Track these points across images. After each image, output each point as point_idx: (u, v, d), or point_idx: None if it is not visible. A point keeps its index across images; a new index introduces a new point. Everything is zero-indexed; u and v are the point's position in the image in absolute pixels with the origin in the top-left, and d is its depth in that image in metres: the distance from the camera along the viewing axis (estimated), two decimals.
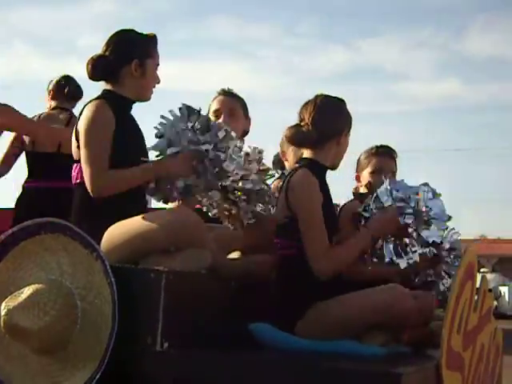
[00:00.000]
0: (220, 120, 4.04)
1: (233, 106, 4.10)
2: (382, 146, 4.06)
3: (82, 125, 3.27)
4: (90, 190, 3.16)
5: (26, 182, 5.06)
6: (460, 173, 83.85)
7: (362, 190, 4.05)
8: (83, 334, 2.77)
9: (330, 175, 3.45)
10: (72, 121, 4.91)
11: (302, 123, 3.31)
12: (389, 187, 3.44)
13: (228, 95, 4.15)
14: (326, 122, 3.30)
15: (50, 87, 5.21)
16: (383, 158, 4.01)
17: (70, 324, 2.77)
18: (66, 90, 5.16)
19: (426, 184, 3.45)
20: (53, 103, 5.18)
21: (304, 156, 3.36)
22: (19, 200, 5.01)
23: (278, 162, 4.59)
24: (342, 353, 2.96)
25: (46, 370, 2.79)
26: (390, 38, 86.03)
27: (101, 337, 2.72)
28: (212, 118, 4.09)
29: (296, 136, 3.31)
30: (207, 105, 4.17)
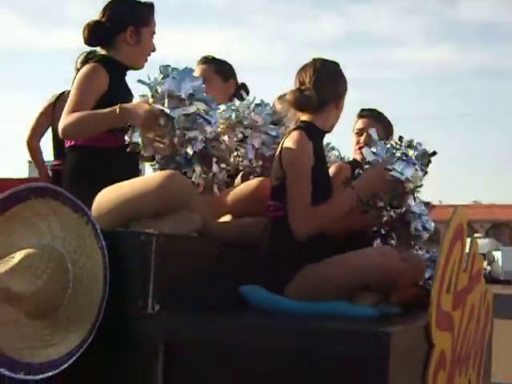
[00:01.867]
0: None
1: (205, 74, 4.08)
2: (365, 109, 4.11)
3: (74, 85, 3.30)
4: (60, 133, 3.19)
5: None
6: (454, 139, 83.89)
7: (354, 154, 4.09)
8: (75, 297, 2.78)
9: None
10: None
11: (303, 87, 3.30)
12: (372, 147, 3.46)
13: (201, 63, 4.16)
14: (327, 86, 3.31)
15: (78, 66, 5.13)
16: (364, 119, 4.07)
17: (62, 288, 2.78)
18: None
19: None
20: None
21: (302, 119, 3.35)
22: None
23: None
24: (331, 313, 2.98)
25: (38, 334, 2.80)
26: (382, 3, 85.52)
27: (92, 300, 2.74)
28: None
29: (299, 100, 3.29)
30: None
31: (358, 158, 4.04)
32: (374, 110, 4.13)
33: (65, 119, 3.17)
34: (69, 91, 5.07)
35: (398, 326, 2.73)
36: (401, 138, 3.47)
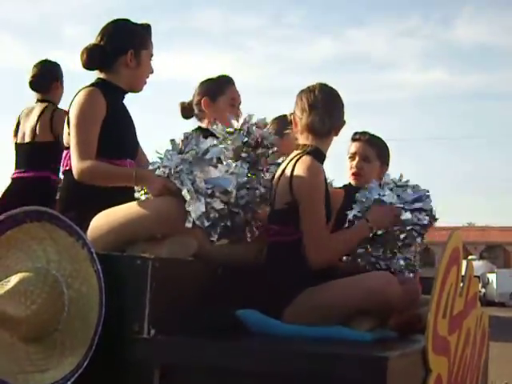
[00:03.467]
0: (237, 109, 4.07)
1: (236, 95, 4.13)
2: (358, 133, 4.12)
3: (72, 111, 3.29)
4: (74, 174, 3.18)
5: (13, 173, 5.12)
6: (448, 161, 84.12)
7: (348, 178, 4.10)
8: (70, 321, 2.77)
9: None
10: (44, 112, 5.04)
11: (316, 111, 3.29)
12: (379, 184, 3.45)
13: (233, 84, 4.15)
14: (337, 113, 3.34)
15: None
16: (356, 143, 4.08)
17: (57, 312, 2.77)
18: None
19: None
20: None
21: (310, 143, 3.33)
22: (5, 191, 5.06)
23: None
24: (328, 338, 2.97)
25: (33, 358, 2.79)
26: (377, 27, 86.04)
27: (88, 324, 2.72)
28: (230, 105, 4.08)
29: (315, 124, 3.28)
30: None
31: (353, 182, 4.05)
32: (366, 132, 4.13)
33: (80, 164, 3.17)
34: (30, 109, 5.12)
35: (395, 351, 2.72)
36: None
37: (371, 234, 3.36)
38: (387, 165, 4.16)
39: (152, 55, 3.53)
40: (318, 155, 3.27)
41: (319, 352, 2.68)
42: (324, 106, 3.29)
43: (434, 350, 2.88)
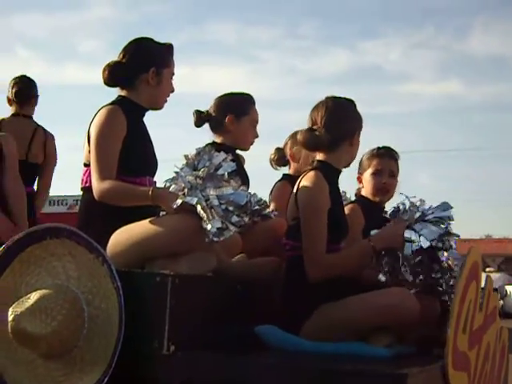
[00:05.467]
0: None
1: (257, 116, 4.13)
2: (383, 148, 4.08)
3: (93, 129, 3.30)
4: (94, 193, 3.20)
5: None
6: (464, 173, 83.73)
7: (364, 192, 4.07)
8: (90, 338, 2.78)
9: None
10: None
11: (315, 127, 3.32)
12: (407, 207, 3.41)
13: (254, 104, 4.14)
14: (338, 125, 3.31)
15: (9, 95, 5.26)
16: (384, 159, 4.02)
17: (77, 329, 2.78)
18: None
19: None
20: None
21: (317, 158, 3.36)
22: None
23: (280, 158, 4.59)
24: (347, 354, 2.96)
25: (53, 375, 2.80)
26: (391, 38, 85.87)
27: (108, 341, 2.73)
28: (252, 126, 4.07)
29: (309, 140, 3.31)
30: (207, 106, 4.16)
31: (377, 198, 4.00)
32: (389, 148, 4.11)
33: (99, 185, 3.19)
34: (3, 119, 5.13)
35: (414, 367, 2.71)
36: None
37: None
38: None
39: (173, 74, 3.54)
40: (326, 169, 3.27)
41: (339, 369, 2.68)
42: (322, 121, 3.30)
43: (454, 365, 2.86)
